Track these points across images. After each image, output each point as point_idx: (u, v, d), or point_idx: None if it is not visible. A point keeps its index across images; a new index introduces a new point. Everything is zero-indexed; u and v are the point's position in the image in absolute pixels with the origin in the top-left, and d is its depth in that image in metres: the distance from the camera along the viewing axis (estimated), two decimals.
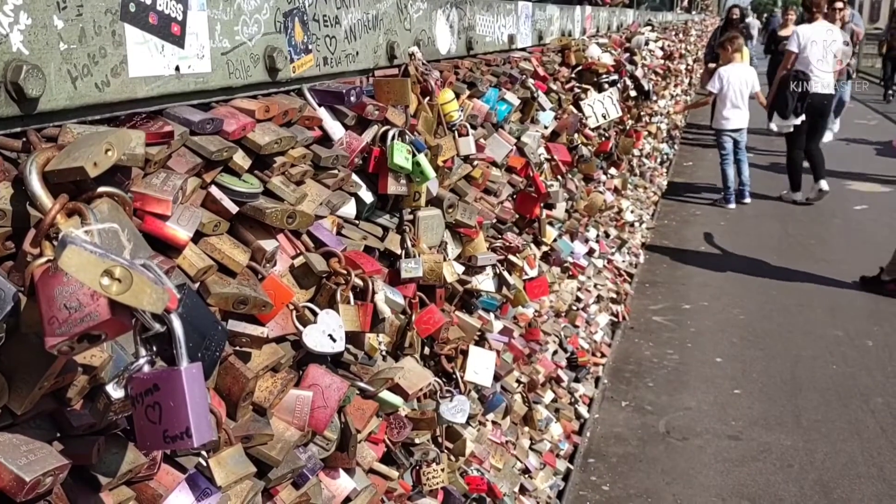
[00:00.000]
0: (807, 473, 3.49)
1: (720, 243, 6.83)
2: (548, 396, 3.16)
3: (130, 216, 0.85)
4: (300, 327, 1.28)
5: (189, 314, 0.79)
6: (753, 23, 9.48)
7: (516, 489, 2.67)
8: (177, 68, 1.12)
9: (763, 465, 3.56)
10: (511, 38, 2.76)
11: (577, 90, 3.33)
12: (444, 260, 1.83)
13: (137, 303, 0.67)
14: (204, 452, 1.07)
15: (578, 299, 3.72)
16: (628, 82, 4.25)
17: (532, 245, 2.81)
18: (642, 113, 5.36)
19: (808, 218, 7.51)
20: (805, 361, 4.55)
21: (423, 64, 1.87)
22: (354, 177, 1.56)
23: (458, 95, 2.00)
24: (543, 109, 2.73)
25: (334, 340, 1.30)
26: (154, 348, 0.77)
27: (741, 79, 7.56)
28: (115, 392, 0.78)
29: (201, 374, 0.76)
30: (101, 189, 0.83)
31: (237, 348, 1.16)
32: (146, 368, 0.77)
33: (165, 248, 1.05)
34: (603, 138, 3.82)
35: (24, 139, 0.89)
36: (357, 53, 1.64)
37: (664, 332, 5.00)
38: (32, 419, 0.88)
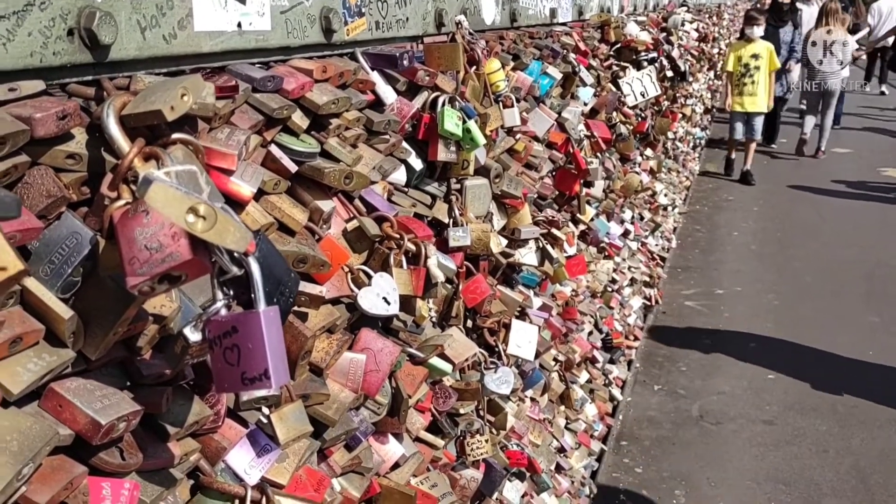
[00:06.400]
0: (843, 459, 3.44)
1: (753, 229, 6.73)
2: (583, 377, 3.14)
3: (203, 164, 0.85)
4: (355, 289, 1.28)
5: (264, 260, 0.79)
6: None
7: (552, 467, 2.66)
8: (238, 24, 1.11)
9: (798, 450, 3.51)
10: (553, 12, 2.73)
11: (615, 67, 3.29)
12: (491, 230, 1.82)
13: (221, 240, 0.67)
14: (265, 409, 1.07)
15: (613, 280, 3.68)
16: (665, 62, 4.19)
17: (570, 223, 2.79)
18: (677, 94, 5.28)
19: (843, 204, 7.37)
20: (841, 347, 4.48)
21: (469, 33, 1.85)
22: (404, 143, 1.55)
23: (503, 66, 1.98)
24: (585, 84, 2.70)
25: (388, 303, 1.30)
26: (231, 292, 0.77)
27: None
28: (193, 335, 0.78)
29: (278, 317, 0.76)
30: (175, 136, 0.82)
31: (295, 307, 1.16)
32: (223, 312, 0.77)
33: (227, 203, 1.05)
34: (639, 118, 3.77)
35: (97, 87, 0.89)
36: (407, 19, 1.63)
37: (697, 317, 4.95)
38: (104, 367, 0.89)
